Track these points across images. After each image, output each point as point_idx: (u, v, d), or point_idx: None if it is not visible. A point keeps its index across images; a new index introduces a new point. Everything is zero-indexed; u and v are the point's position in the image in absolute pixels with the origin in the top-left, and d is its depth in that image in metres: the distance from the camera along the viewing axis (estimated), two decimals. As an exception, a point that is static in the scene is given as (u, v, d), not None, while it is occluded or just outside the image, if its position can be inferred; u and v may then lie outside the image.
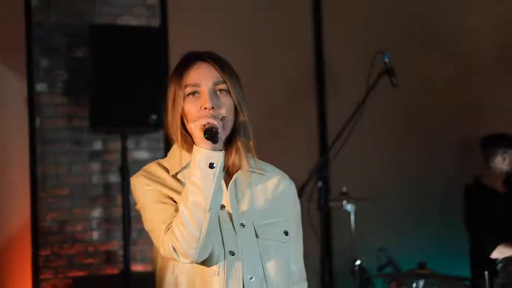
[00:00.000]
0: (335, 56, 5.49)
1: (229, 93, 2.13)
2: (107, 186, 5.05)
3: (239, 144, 2.17)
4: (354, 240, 4.40)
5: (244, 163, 2.17)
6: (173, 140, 2.20)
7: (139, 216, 5.16)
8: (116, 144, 4.98)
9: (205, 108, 2.08)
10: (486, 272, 3.33)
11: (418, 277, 3.83)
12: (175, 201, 2.12)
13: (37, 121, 4.89)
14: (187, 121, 2.12)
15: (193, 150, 2.03)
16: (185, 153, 2.16)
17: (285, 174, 2.32)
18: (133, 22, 5.14)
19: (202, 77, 2.12)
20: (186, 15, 5.24)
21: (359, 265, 4.27)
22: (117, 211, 4.95)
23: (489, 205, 4.62)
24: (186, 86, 2.12)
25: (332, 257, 5.22)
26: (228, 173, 2.18)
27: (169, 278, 2.14)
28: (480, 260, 4.49)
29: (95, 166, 5.03)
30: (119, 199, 4.93)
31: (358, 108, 4.12)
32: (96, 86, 4.64)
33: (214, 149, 2.00)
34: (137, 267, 5.06)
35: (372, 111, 4.40)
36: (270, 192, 2.25)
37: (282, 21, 5.41)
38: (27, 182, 4.82)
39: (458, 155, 5.67)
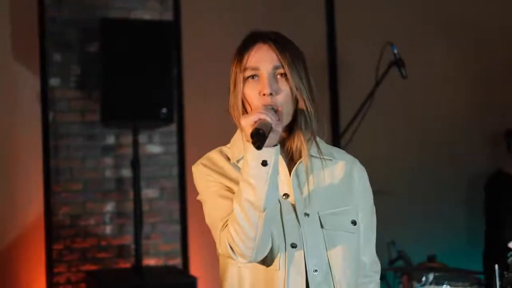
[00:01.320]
0: (347, 47, 5.47)
1: (288, 78, 2.02)
2: (119, 180, 5.04)
3: (299, 131, 2.05)
4: None
5: (304, 150, 2.05)
6: (237, 125, 2.11)
7: (151, 211, 5.18)
8: (128, 138, 4.98)
9: (264, 94, 2.00)
10: (496, 266, 3.31)
11: (429, 270, 3.80)
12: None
13: (50, 115, 4.89)
14: (249, 105, 2.04)
15: (245, 146, 1.94)
16: (247, 143, 2.04)
17: (355, 159, 2.20)
18: (146, 16, 5.13)
19: (262, 60, 2.03)
20: (199, 8, 5.22)
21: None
22: (130, 206, 4.95)
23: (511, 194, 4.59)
24: (245, 69, 2.04)
25: None
26: (292, 159, 2.08)
27: (232, 270, 2.06)
28: (492, 253, 4.47)
29: (108, 160, 5.02)
30: (131, 194, 4.92)
31: (368, 100, 4.11)
32: (108, 81, 4.62)
33: (267, 145, 1.89)
34: (149, 261, 5.07)
35: (384, 102, 4.39)
36: (338, 178, 2.12)
37: (294, 11, 5.38)
38: (41, 176, 4.82)
39: (473, 147, 5.64)
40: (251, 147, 1.87)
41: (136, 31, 4.72)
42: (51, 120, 4.90)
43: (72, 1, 4.96)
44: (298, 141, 2.05)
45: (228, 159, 2.09)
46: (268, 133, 1.86)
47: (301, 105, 2.03)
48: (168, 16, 5.17)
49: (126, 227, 5.05)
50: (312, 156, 2.09)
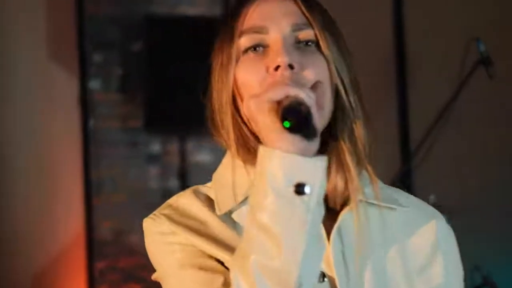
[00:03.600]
0: (419, 46, 5.04)
1: (320, 47, 1.22)
2: (166, 192, 4.89)
3: (345, 150, 1.22)
4: None
5: (354, 189, 1.21)
6: (221, 144, 1.30)
7: None
8: (175, 146, 4.87)
9: (277, 68, 1.17)
10: None
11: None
12: (225, 266, 1.20)
13: (90, 121, 4.79)
14: (242, 101, 1.22)
15: (259, 155, 1.11)
16: (243, 170, 1.25)
17: (434, 210, 1.36)
18: (193, 11, 4.99)
19: (271, 14, 1.23)
20: None
21: None
22: None
23: None
24: (241, 34, 1.23)
25: None
26: (327, 208, 1.15)
27: None
28: None
29: (153, 170, 4.91)
30: None
31: (449, 105, 3.76)
32: (152, 83, 4.60)
33: (305, 151, 1.08)
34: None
35: (465, 108, 4.04)
36: (409, 242, 1.27)
37: (358, 7, 5.00)
38: (80, 188, 4.71)
39: None
40: (273, 154, 1.08)
41: (183, 28, 4.68)
42: (91, 127, 4.79)
43: (113, -4, 4.94)
44: (342, 171, 1.21)
45: (211, 206, 1.27)
46: (311, 117, 1.08)
47: (345, 100, 1.23)
48: (217, 10, 5.00)
49: (173, 243, 4.77)
50: (366, 202, 1.25)
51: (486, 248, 4.70)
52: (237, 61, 1.23)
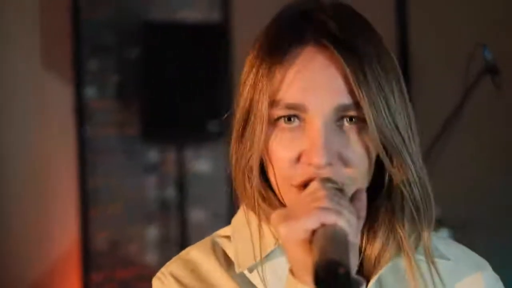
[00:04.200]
0: (422, 52, 4.99)
1: (368, 128, 1.09)
2: (163, 202, 4.91)
3: (399, 219, 1.12)
4: None
5: (409, 252, 1.12)
6: (242, 200, 1.19)
7: (198, 236, 4.86)
8: (173, 155, 4.85)
9: (309, 164, 1.08)
10: None
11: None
12: None
13: (86, 129, 4.75)
14: (272, 169, 1.12)
15: (287, 283, 1.05)
16: (267, 229, 1.15)
17: (481, 260, 1.26)
18: (192, 16, 4.98)
19: (313, 90, 1.08)
20: (253, 6, 4.83)
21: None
22: (175, 230, 4.84)
23: None
24: (276, 103, 1.09)
25: None
26: (361, 264, 1.14)
27: None
28: None
29: (150, 179, 4.88)
30: (176, 217, 4.83)
31: (453, 115, 3.68)
32: (149, 90, 4.59)
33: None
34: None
35: (471, 118, 3.96)
36: None
37: (360, 11, 4.93)
38: (75, 197, 4.69)
39: None
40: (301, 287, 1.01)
41: (181, 34, 4.67)
42: (86, 135, 4.76)
43: (109, 1, 4.91)
44: (391, 240, 1.13)
45: (227, 264, 1.19)
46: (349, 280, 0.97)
47: (398, 171, 1.12)
48: (217, 16, 4.98)
49: (171, 254, 4.70)
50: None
51: (496, 265, 4.66)
52: (268, 125, 1.09)
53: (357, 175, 1.08)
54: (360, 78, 1.06)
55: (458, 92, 3.75)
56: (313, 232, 0.98)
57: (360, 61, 1.07)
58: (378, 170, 1.12)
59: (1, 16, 4.49)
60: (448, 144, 3.74)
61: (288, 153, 1.08)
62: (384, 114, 1.08)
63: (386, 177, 1.12)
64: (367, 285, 1.10)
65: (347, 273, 0.92)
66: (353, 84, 1.06)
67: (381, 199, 1.13)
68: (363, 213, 1.06)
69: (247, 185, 1.14)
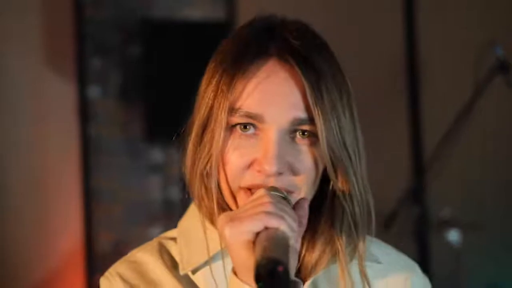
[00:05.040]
0: (433, 50, 4.95)
1: (320, 143, 1.17)
2: (167, 203, 4.88)
3: (339, 240, 1.20)
4: (459, 276, 3.95)
5: (343, 262, 1.21)
6: (197, 202, 1.27)
7: None
8: (177, 155, 4.71)
9: (259, 171, 1.16)
10: None
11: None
12: None
13: (89, 129, 4.78)
14: (224, 172, 1.20)
15: (229, 282, 1.11)
16: (214, 231, 1.23)
17: (413, 264, 1.36)
18: (195, 15, 4.97)
19: (270, 101, 1.16)
20: (255, 4, 4.84)
21: (468, 307, 3.86)
22: None
23: None
24: (235, 111, 1.17)
25: None
26: (299, 270, 1.22)
27: None
28: None
29: (154, 180, 4.86)
30: (181, 217, 4.67)
31: (464, 114, 3.69)
32: (153, 89, 4.59)
33: None
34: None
35: (481, 117, 3.97)
36: None
37: (369, 11, 4.96)
38: (78, 198, 4.71)
39: None
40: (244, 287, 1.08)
41: (185, 32, 4.67)
42: (90, 135, 4.78)
43: (113, -1, 4.99)
44: (322, 246, 1.22)
45: (173, 265, 1.25)
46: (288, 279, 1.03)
47: (343, 186, 1.19)
48: (220, 14, 4.98)
49: (175, 256, 4.73)
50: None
51: (502, 264, 4.67)
52: (225, 130, 1.18)
53: (303, 185, 1.17)
54: (317, 96, 1.15)
55: (469, 90, 3.77)
56: (257, 234, 1.06)
57: (318, 79, 1.16)
58: (324, 183, 1.20)
59: (5, 14, 4.51)
60: (459, 143, 3.75)
61: (241, 158, 1.16)
62: (335, 132, 1.16)
63: (330, 189, 1.20)
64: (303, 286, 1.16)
65: (286, 271, 0.98)
66: (310, 101, 1.14)
67: (324, 211, 1.21)
68: (305, 220, 1.14)
69: (202, 188, 1.23)
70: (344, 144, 1.16)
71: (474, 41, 3.92)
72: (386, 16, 5.00)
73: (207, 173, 1.22)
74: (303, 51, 1.17)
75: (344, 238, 1.20)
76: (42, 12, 4.68)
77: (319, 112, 1.14)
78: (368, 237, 1.25)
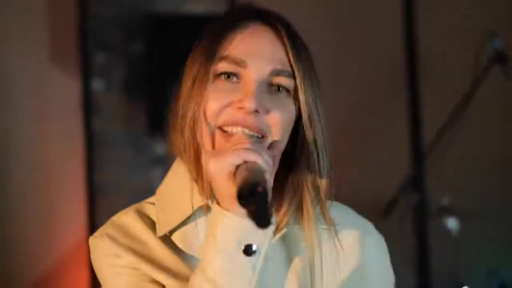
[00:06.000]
0: (432, 41, 4.93)
1: (296, 94, 1.30)
2: None
3: (306, 192, 1.31)
4: (458, 264, 3.94)
5: (308, 216, 1.30)
6: (174, 149, 1.36)
7: None
8: None
9: (240, 108, 1.27)
10: None
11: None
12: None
13: (93, 123, 4.76)
14: (205, 124, 1.30)
15: (213, 213, 1.22)
16: (196, 188, 1.32)
17: (369, 224, 1.45)
18: (198, 9, 4.94)
19: (255, 52, 1.29)
20: None
21: (466, 293, 3.85)
22: None
23: None
24: (221, 59, 1.29)
25: (431, 285, 4.74)
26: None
27: None
28: None
29: (157, 173, 4.80)
30: None
31: (463, 104, 3.72)
32: (156, 84, 4.56)
33: (258, 226, 1.16)
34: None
35: (479, 108, 3.99)
36: (346, 263, 1.37)
37: (368, 5, 4.93)
38: (82, 192, 4.69)
39: None
40: (225, 216, 1.18)
41: (187, 27, 4.54)
42: (93, 129, 4.77)
43: (115, -6, 4.95)
44: (295, 199, 1.32)
45: (153, 227, 1.34)
46: (267, 198, 1.15)
47: (310, 138, 1.31)
48: (222, 8, 4.91)
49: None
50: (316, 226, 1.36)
51: (502, 251, 4.66)
52: (210, 82, 1.29)
53: (278, 128, 1.27)
54: (297, 54, 1.29)
55: (468, 80, 3.77)
56: (237, 167, 1.18)
57: (298, 43, 1.31)
58: (292, 145, 1.32)
59: (9, 11, 4.50)
60: (457, 133, 3.75)
61: (221, 98, 1.27)
62: (310, 90, 1.29)
63: (299, 141, 1.31)
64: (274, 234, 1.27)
65: (265, 190, 1.11)
66: (290, 56, 1.28)
67: (294, 167, 1.31)
68: (278, 158, 1.25)
69: (190, 139, 1.30)
70: (316, 104, 1.31)
71: (474, 32, 3.95)
72: (386, 6, 4.99)
73: (194, 121, 1.30)
74: (286, 20, 1.33)
75: (310, 190, 1.31)
76: (46, 9, 4.65)
77: (299, 67, 1.29)
78: (328, 201, 1.36)
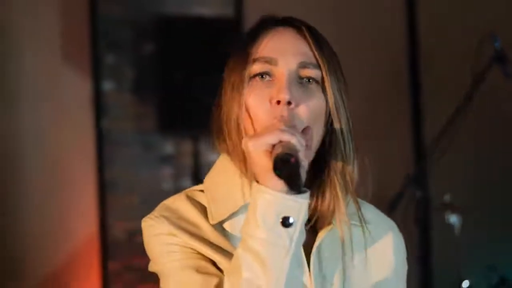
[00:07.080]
0: (432, 40, 4.94)
1: (323, 85, 1.39)
2: (179, 192, 4.77)
3: (334, 178, 1.40)
4: (460, 258, 3.92)
5: (340, 210, 1.39)
6: (221, 151, 1.44)
7: None
8: (188, 147, 4.79)
9: (277, 102, 1.34)
10: None
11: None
12: (219, 268, 1.36)
13: (104, 122, 4.74)
14: (251, 123, 1.38)
15: (253, 190, 1.30)
16: (237, 181, 1.41)
17: (391, 222, 1.53)
18: (207, 11, 4.93)
19: (282, 49, 1.39)
20: (265, 2, 4.84)
21: (467, 287, 3.79)
22: None
23: None
24: (254, 61, 1.38)
25: (433, 279, 4.78)
26: (309, 224, 1.39)
27: None
28: None
29: (166, 170, 4.83)
30: None
31: (463, 103, 3.69)
32: (165, 84, 4.54)
33: (292, 192, 1.27)
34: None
35: (480, 107, 3.95)
36: (378, 258, 1.46)
37: (370, 3, 4.95)
38: (93, 189, 4.68)
39: None
40: (264, 192, 1.26)
41: (196, 29, 4.64)
42: (104, 128, 4.75)
43: (125, -4, 4.90)
44: (330, 195, 1.40)
45: (204, 211, 1.41)
46: (299, 168, 1.26)
47: (339, 131, 1.41)
48: (230, 11, 4.93)
49: (187, 244, 4.73)
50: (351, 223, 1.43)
51: (502, 247, 4.63)
52: (248, 84, 1.38)
53: (308, 115, 1.36)
54: (320, 48, 1.39)
55: (468, 79, 3.72)
56: (273, 146, 1.27)
57: (318, 38, 1.41)
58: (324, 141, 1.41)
59: (21, 11, 4.50)
60: (458, 132, 3.72)
61: (260, 103, 1.36)
62: (335, 80, 1.40)
63: (329, 131, 1.40)
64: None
65: (297, 161, 1.23)
66: (315, 51, 1.38)
67: (325, 161, 1.40)
68: (310, 142, 1.34)
69: (237, 140, 1.38)
70: (340, 91, 1.41)
71: (474, 32, 3.91)
72: (388, 5, 5.01)
73: (238, 123, 1.38)
74: (307, 22, 1.44)
75: (339, 179, 1.40)
76: (58, 11, 4.64)
77: (323, 59, 1.39)
78: (362, 202, 1.47)
